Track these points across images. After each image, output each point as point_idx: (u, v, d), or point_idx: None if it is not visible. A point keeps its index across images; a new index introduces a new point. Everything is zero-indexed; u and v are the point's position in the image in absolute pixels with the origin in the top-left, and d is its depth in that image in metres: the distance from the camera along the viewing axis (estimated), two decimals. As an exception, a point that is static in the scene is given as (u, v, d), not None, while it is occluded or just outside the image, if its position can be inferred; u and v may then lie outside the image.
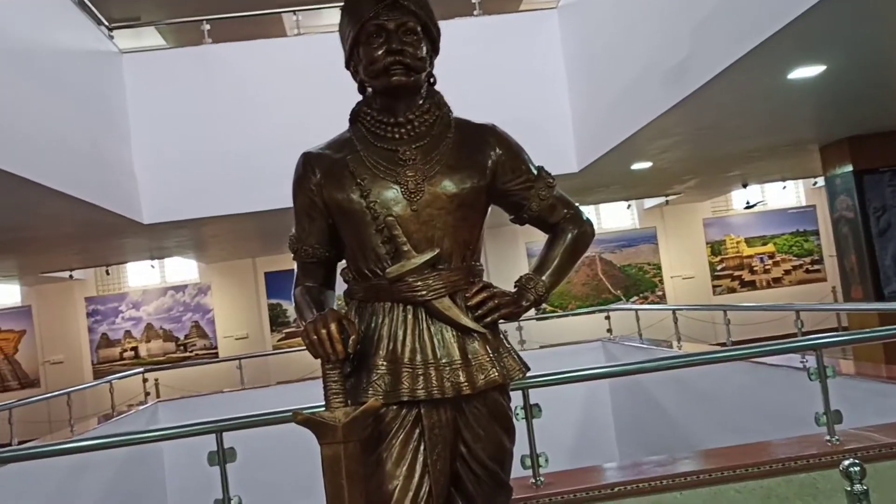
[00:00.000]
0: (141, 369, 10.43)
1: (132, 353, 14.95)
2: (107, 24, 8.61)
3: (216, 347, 15.14)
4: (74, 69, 7.44)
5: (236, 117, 8.37)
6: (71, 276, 13.75)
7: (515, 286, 2.18)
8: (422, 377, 2.01)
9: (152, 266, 14.31)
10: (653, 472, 2.92)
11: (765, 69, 5.38)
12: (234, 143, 8.34)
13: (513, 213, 2.25)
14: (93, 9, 8.32)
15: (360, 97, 2.20)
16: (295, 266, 2.29)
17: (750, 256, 15.43)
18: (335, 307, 2.18)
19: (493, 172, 2.14)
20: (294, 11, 9.08)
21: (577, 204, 2.30)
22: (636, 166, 9.00)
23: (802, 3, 4.41)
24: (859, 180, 8.79)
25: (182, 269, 15.15)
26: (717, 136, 8.05)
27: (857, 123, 8.22)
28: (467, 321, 2.05)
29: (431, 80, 2.19)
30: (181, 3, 9.87)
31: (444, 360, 2.02)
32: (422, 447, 2.02)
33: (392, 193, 2.06)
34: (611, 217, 15.23)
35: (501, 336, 2.15)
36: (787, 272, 15.47)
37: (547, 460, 2.88)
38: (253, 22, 9.55)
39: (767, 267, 15.45)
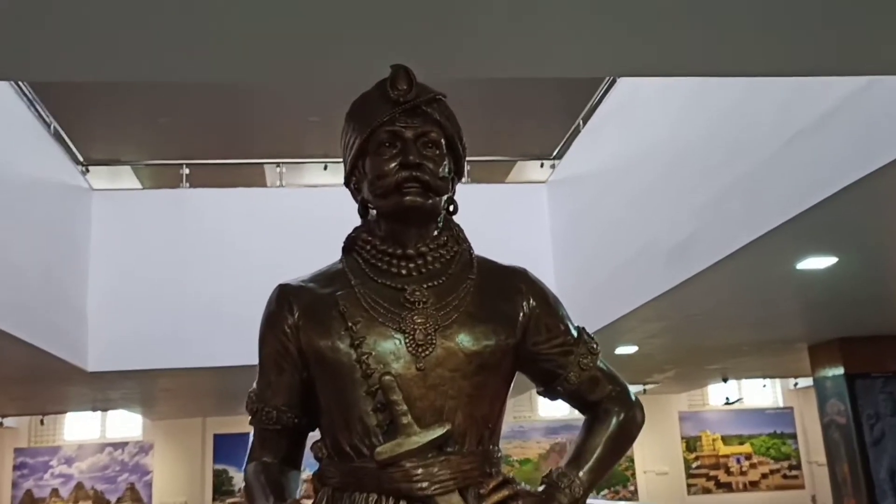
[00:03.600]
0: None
1: (57, 514, 13.61)
2: (80, 159, 8.28)
3: (149, 514, 13.85)
4: (39, 201, 7.01)
5: (202, 265, 7.88)
6: (1, 424, 12.68)
7: (544, 483, 1.65)
8: None
9: (91, 418, 13.28)
10: None
11: (775, 256, 5.07)
12: (199, 292, 7.81)
13: (543, 383, 1.74)
14: (68, 142, 8.02)
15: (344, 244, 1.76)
16: (251, 432, 1.73)
17: (726, 456, 14.76)
18: (299, 496, 1.61)
19: (525, 329, 1.66)
20: (278, 163, 8.85)
21: (623, 380, 1.80)
22: (621, 350, 8.58)
23: (824, 189, 4.15)
24: (851, 385, 8.39)
25: (125, 423, 14.09)
26: (708, 325, 7.68)
27: (851, 325, 7.92)
28: (482, 529, 1.49)
29: (451, 207, 1.74)
30: (163, 148, 9.65)
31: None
32: None
33: (392, 345, 1.56)
34: (583, 403, 14.61)
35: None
36: (765, 475, 14.76)
37: None
38: (234, 172, 9.30)
39: (744, 469, 14.75)
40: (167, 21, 2.61)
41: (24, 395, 10.04)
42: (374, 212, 1.68)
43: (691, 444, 14.88)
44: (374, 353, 1.54)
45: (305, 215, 7.63)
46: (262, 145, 9.39)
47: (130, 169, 10.19)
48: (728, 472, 14.74)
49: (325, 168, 8.32)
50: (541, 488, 1.63)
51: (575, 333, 1.72)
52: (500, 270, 1.73)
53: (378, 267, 1.65)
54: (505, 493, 1.53)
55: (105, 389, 10.02)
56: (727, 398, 14.19)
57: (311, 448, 1.64)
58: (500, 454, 1.63)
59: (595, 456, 1.68)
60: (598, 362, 1.73)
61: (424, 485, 1.48)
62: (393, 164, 1.61)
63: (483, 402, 1.59)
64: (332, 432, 1.59)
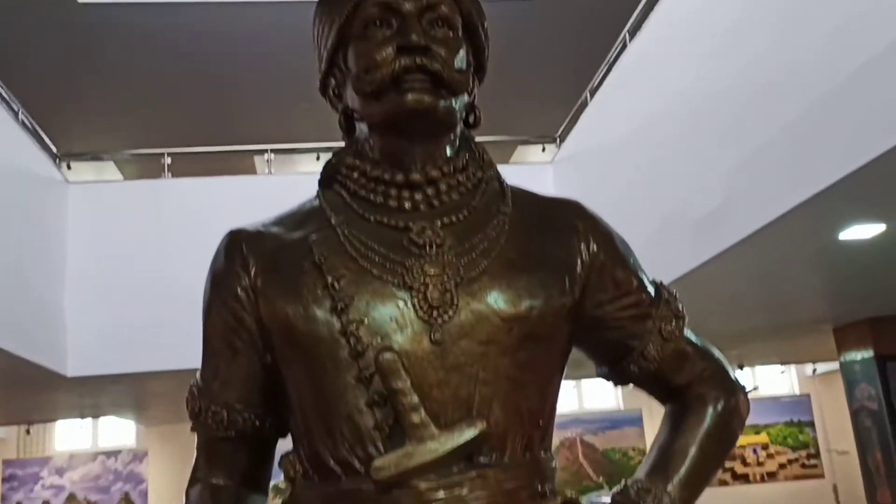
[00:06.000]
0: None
1: (48, 527, 13.07)
2: (55, 150, 7.77)
3: (145, 525, 13.33)
4: (9, 194, 6.48)
5: (188, 259, 7.31)
6: (-14, 435, 12.19)
7: (616, 502, 1.14)
8: None
9: (81, 427, 12.75)
10: None
11: (818, 224, 4.54)
12: (185, 288, 7.17)
13: (609, 360, 1.24)
14: (41, 134, 7.52)
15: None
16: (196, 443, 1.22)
17: (742, 447, 14.24)
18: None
19: (585, 283, 1.14)
20: (266, 151, 8.33)
21: (719, 354, 1.29)
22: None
23: (878, 145, 3.64)
24: (882, 367, 7.88)
25: (117, 431, 13.56)
26: (730, 308, 7.16)
27: (881, 304, 7.42)
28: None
29: (473, 116, 1.22)
30: (144, 138, 9.13)
31: None
32: None
33: (394, 308, 1.05)
34: (594, 396, 14.09)
35: None
36: (782, 466, 14.24)
37: None
38: (221, 162, 8.79)
39: (761, 459, 14.23)
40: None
41: (4, 402, 9.52)
42: (364, 126, 1.17)
43: (706, 435, 14.39)
44: (366, 321, 1.04)
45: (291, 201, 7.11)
46: (251, 133, 8.87)
47: (113, 162, 9.71)
48: (745, 463, 14.22)
49: (318, 158, 7.82)
50: (614, 509, 1.12)
51: (653, 291, 1.22)
52: (546, 203, 1.23)
53: (370, 200, 1.13)
54: (568, 523, 1.02)
55: (90, 395, 9.51)
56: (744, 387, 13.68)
57: (280, 463, 1.12)
58: (554, 464, 1.12)
59: (688, 462, 1.18)
60: (685, 331, 1.23)
61: (448, 516, 0.96)
62: (388, 50, 1.10)
63: (530, 389, 1.08)
64: (309, 439, 1.07)
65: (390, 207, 1.12)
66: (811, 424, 14.51)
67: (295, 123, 8.60)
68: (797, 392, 14.75)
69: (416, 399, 0.99)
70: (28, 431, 12.44)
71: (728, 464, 14.22)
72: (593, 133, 7.35)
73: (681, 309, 1.22)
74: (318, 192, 1.20)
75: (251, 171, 9.16)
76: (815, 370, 13.40)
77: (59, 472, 13.36)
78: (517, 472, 1.03)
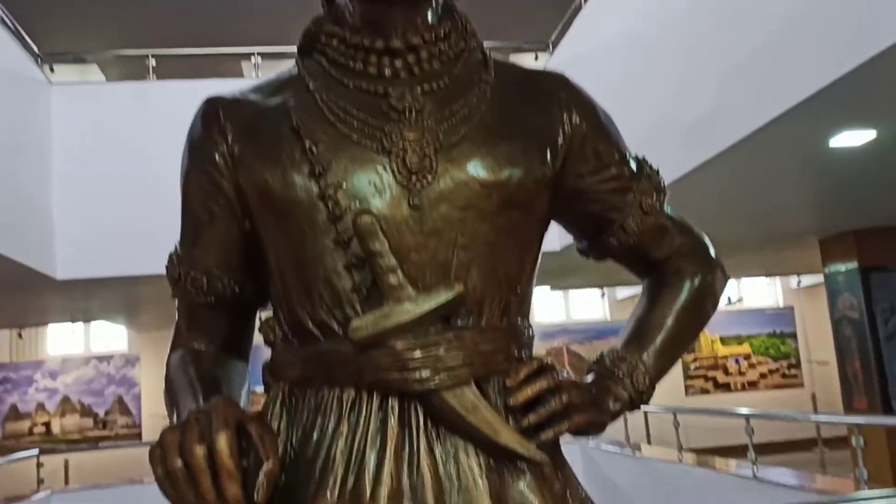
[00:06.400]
0: (35, 451, 8.89)
1: (43, 428, 13.31)
2: (36, 50, 7.59)
3: (139, 426, 13.60)
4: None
5: (177, 160, 7.29)
6: (-23, 339, 12.30)
7: (593, 371, 1.16)
8: None
9: (72, 332, 12.88)
10: None
11: (809, 129, 4.52)
12: (173, 191, 7.21)
13: (589, 234, 1.24)
14: (23, 34, 7.33)
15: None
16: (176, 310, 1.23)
17: (725, 357, 14.55)
18: (244, 397, 1.13)
19: (566, 154, 1.14)
20: (253, 54, 8.16)
21: (698, 230, 1.29)
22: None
23: (872, 46, 3.58)
24: (865, 278, 7.98)
25: (109, 336, 13.72)
26: (716, 218, 7.17)
27: (867, 216, 7.46)
28: (509, 437, 1.01)
29: None
30: (128, 39, 8.92)
31: (459, 521, 0.97)
32: None
33: (373, 172, 1.04)
34: (581, 306, 14.27)
35: (570, 470, 1.12)
36: (763, 376, 14.60)
37: None
38: (207, 64, 8.62)
39: (743, 369, 14.56)
40: None
41: (-5, 306, 9.59)
42: None
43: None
44: (344, 186, 1.03)
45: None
46: (238, 36, 8.68)
47: (96, 64, 9.51)
48: (727, 372, 14.56)
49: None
50: (589, 378, 1.14)
51: (634, 165, 1.21)
52: (530, 74, 1.20)
53: (349, 67, 1.11)
54: (543, 384, 1.04)
55: (81, 299, 9.56)
56: (728, 298, 13.86)
57: (261, 329, 1.14)
58: (531, 331, 1.14)
59: (664, 333, 1.19)
60: (666, 206, 1.22)
61: (425, 374, 0.98)
62: None
63: (509, 254, 1.08)
64: (288, 303, 1.08)
65: (370, 74, 1.10)
66: (793, 336, 14.80)
67: (282, 27, 8.40)
68: (781, 304, 14.99)
69: (393, 261, 0.99)
70: (20, 335, 12.58)
71: (710, 373, 14.59)
72: (585, 40, 7.22)
73: (662, 183, 1.22)
74: (296, 59, 1.18)
75: (238, 74, 9.00)
76: (799, 282, 13.58)
77: (53, 375, 13.57)
78: (494, 335, 1.04)
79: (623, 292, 13.66)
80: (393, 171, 1.03)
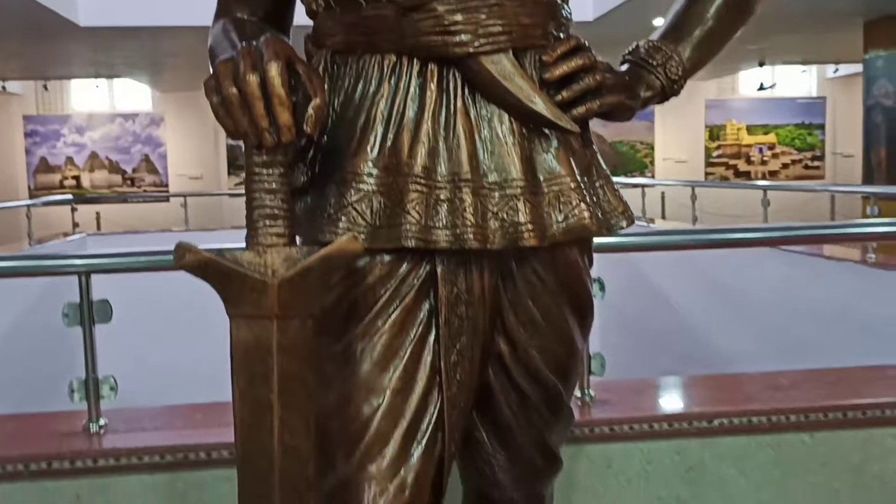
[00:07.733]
0: (69, 196, 9.25)
1: (74, 182, 13.68)
2: None
3: (167, 185, 13.96)
4: None
5: None
6: (3, 88, 12.29)
7: (626, 61, 1.18)
8: (446, 206, 1.01)
9: (97, 87, 12.86)
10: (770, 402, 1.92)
11: None
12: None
13: None
14: None
15: None
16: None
17: (749, 146, 14.45)
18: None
19: None
20: None
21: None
22: (658, 22, 7.86)
23: None
24: (907, 64, 7.77)
25: (133, 95, 13.72)
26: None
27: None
28: (543, 105, 1.04)
29: None
30: None
31: (491, 179, 1.02)
32: (431, 338, 1.05)
33: None
34: (608, 86, 14.04)
35: (596, 150, 1.17)
36: (785, 166, 14.56)
37: (603, 365, 1.92)
38: None
39: (766, 158, 14.51)
40: None
41: (19, 52, 9.53)
42: None
43: (715, 132, 14.52)
44: None
45: None
46: None
47: None
48: (749, 161, 14.53)
49: None
50: (623, 67, 1.16)
51: None
52: None
53: None
54: (579, 62, 1.05)
55: (104, 51, 9.49)
56: (762, 83, 13.51)
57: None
58: (569, 13, 1.14)
59: (702, 27, 1.18)
60: None
61: (465, 37, 0.99)
62: None
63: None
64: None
65: None
66: (821, 127, 14.61)
67: None
68: (814, 94, 14.66)
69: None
70: (46, 87, 12.59)
71: (732, 161, 14.57)
72: None
73: None
74: None
75: None
76: (836, 70, 13.19)
77: (80, 130, 13.75)
78: (534, 9, 1.05)
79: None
80: None
